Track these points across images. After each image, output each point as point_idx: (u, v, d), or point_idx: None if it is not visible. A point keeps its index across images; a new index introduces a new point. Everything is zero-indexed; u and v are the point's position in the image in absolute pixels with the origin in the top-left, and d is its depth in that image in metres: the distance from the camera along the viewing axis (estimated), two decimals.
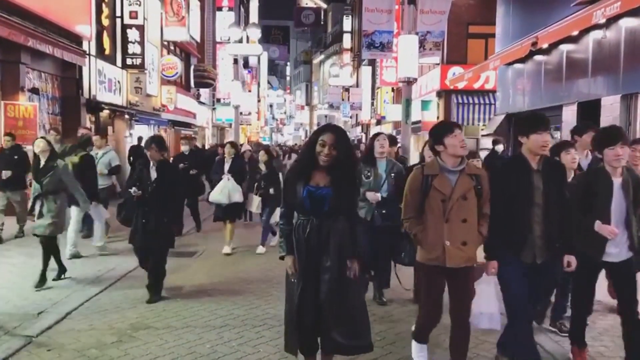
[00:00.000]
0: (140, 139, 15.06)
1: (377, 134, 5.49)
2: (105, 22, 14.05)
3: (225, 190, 7.75)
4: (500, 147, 11.00)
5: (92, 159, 7.60)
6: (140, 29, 15.51)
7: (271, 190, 7.84)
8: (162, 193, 5.36)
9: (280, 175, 8.30)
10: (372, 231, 5.09)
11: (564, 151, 4.34)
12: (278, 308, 5.14)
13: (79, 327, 4.68)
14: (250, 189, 8.05)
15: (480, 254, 3.53)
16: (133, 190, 5.34)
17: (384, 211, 5.22)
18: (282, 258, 3.35)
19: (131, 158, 12.34)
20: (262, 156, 8.27)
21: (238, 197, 7.81)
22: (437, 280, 3.46)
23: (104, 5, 13.90)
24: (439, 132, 3.45)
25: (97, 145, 8.49)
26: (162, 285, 5.61)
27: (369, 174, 5.24)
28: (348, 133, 32.87)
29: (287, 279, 3.31)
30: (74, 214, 6.94)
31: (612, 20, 8.64)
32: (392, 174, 5.29)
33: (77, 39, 12.05)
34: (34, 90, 10.75)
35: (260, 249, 7.94)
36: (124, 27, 15.30)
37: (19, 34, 8.84)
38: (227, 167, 7.97)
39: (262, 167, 8.11)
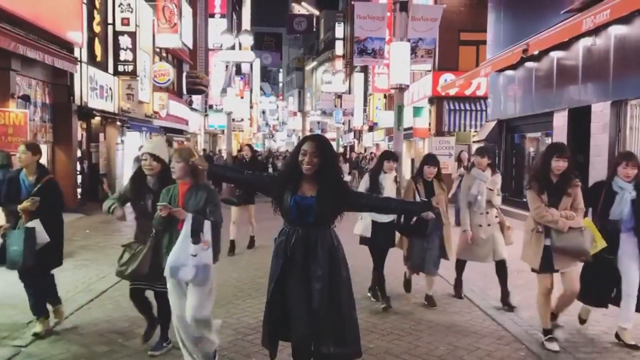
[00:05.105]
0: None
1: None
2: (97, 28, 14.02)
3: None
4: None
5: None
6: (132, 35, 15.49)
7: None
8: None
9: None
10: None
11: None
12: None
13: (70, 337, 4.63)
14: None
15: None
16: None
17: None
18: None
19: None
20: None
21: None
22: None
23: (95, 12, 13.87)
24: None
25: None
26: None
27: None
28: (340, 139, 32.58)
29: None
30: None
31: (601, 28, 8.72)
32: None
33: (68, 46, 12.00)
34: (25, 97, 10.68)
35: None
36: (116, 34, 15.28)
37: (9, 40, 8.79)
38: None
39: None
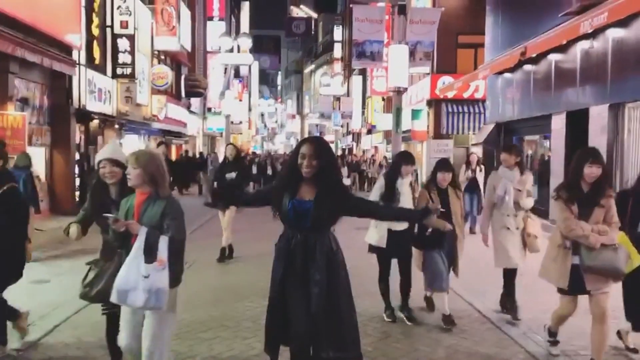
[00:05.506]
0: None
1: None
2: (96, 31, 14.02)
3: None
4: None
5: None
6: (131, 38, 15.49)
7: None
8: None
9: None
10: None
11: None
12: None
13: (67, 341, 4.61)
14: None
15: None
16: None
17: None
18: None
19: None
20: None
21: None
22: None
23: (94, 14, 13.87)
24: None
25: None
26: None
27: None
28: (339, 142, 32.57)
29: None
30: None
31: (599, 31, 8.75)
32: None
33: (67, 49, 12.00)
34: (24, 100, 10.67)
35: None
36: (115, 37, 15.28)
37: (7, 43, 8.78)
38: None
39: None
